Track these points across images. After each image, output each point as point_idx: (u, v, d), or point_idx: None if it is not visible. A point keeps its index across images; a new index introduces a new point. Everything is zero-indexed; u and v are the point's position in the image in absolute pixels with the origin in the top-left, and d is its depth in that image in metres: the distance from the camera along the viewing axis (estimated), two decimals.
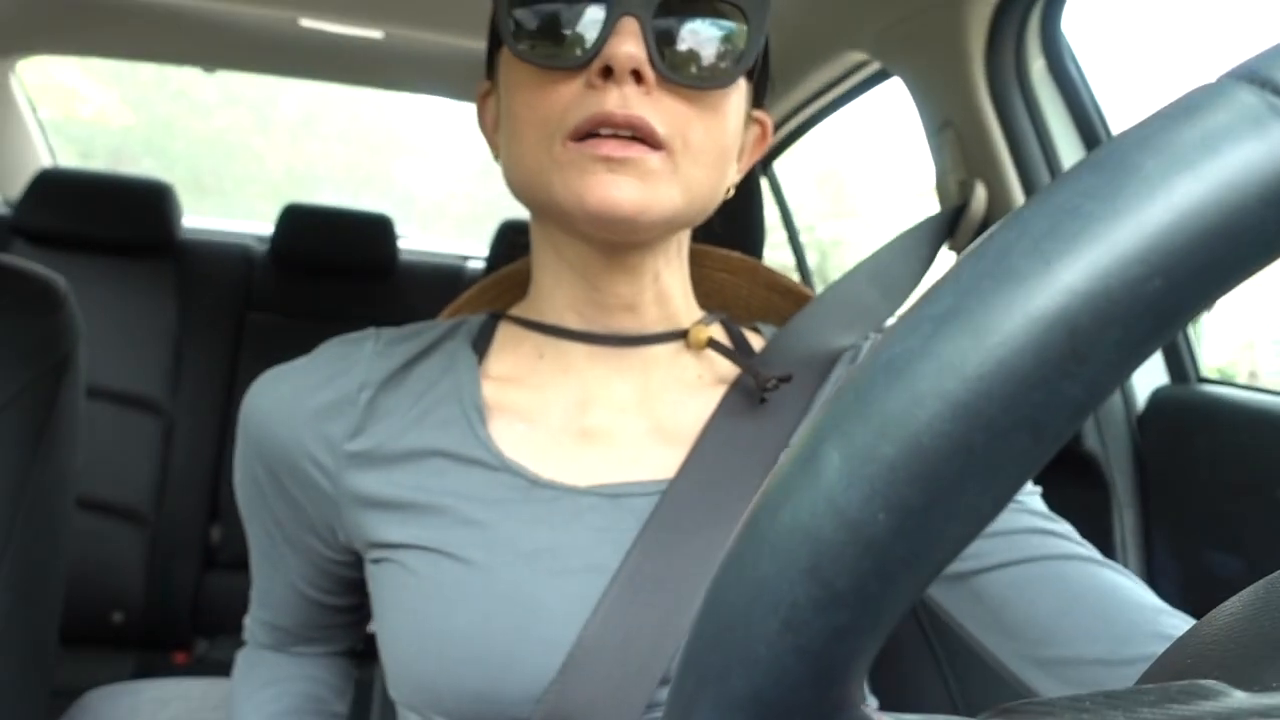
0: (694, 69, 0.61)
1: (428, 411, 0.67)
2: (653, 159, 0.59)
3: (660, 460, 0.67)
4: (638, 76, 0.59)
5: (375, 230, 2.29)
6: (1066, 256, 0.18)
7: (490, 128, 0.71)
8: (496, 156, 0.69)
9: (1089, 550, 0.62)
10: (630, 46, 0.58)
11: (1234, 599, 0.28)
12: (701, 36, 0.62)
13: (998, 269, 0.19)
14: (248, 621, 0.82)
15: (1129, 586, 0.60)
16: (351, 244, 2.26)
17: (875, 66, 1.47)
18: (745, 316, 0.85)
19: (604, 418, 0.67)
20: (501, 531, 0.63)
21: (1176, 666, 0.27)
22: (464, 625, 0.60)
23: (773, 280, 0.84)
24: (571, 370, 0.68)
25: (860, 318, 0.80)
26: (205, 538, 2.10)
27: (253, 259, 2.30)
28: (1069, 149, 1.17)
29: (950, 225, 1.20)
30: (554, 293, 0.69)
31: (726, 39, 0.62)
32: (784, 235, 2.23)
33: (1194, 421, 1.03)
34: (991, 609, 0.61)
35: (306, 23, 1.86)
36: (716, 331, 0.73)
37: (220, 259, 2.25)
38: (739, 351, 0.72)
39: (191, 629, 2.10)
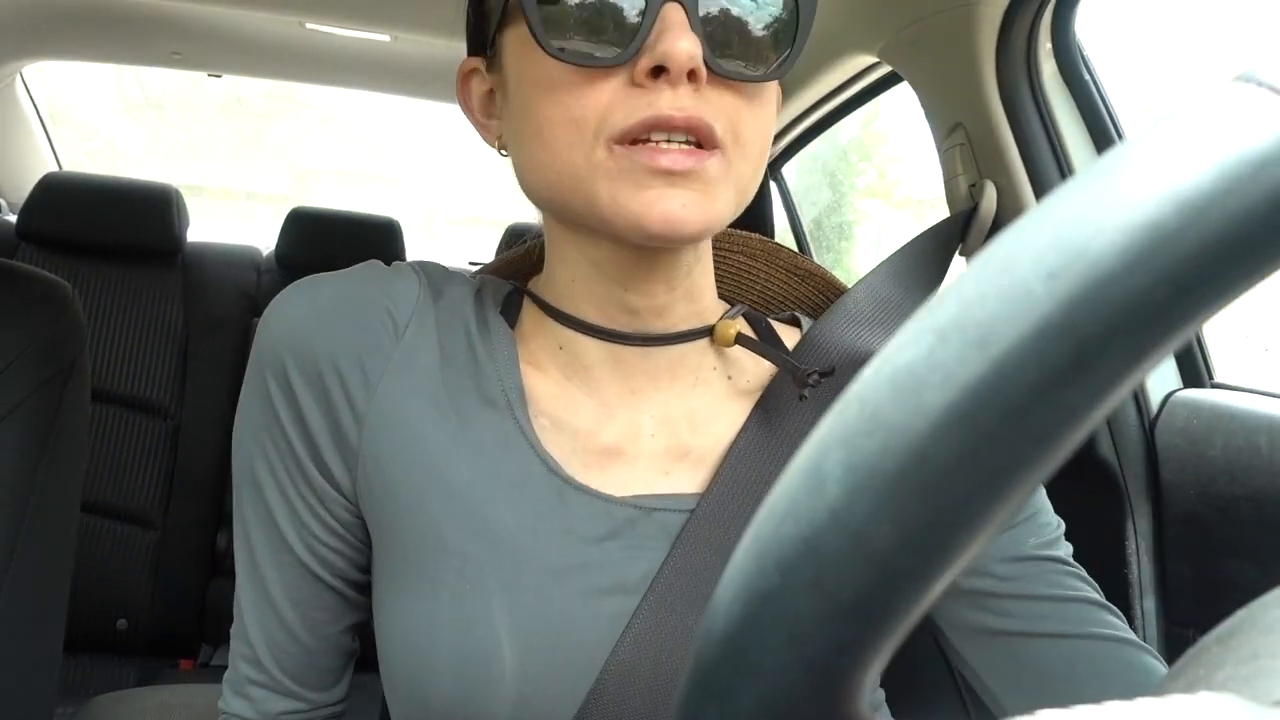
0: (746, 60, 0.56)
1: (465, 380, 0.62)
2: (712, 166, 0.54)
3: (691, 473, 0.62)
4: (691, 74, 0.53)
5: (382, 234, 2.29)
6: (1070, 265, 0.18)
7: (479, 112, 0.64)
8: (496, 146, 0.63)
9: (1128, 632, 0.61)
10: (686, 43, 0.52)
11: (1248, 607, 0.27)
12: (751, 21, 0.56)
13: (1000, 279, 0.19)
14: (225, 693, 0.68)
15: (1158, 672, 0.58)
16: (358, 248, 2.23)
17: (884, 70, 1.47)
18: (762, 303, 0.79)
19: (628, 427, 0.62)
20: (532, 541, 0.58)
21: (1189, 678, 0.26)
22: (486, 645, 0.55)
23: (794, 263, 0.78)
24: (592, 369, 0.63)
25: (889, 315, 0.76)
26: (211, 544, 2.10)
27: (258, 263, 2.30)
28: (1080, 151, 1.17)
29: (962, 229, 1.19)
30: (573, 288, 0.62)
31: (777, 22, 0.57)
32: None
33: (1208, 425, 1.02)
34: (1033, 675, 0.60)
35: (313, 26, 1.86)
36: (742, 326, 0.67)
37: (226, 263, 2.26)
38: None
39: (197, 636, 2.10)
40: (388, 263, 0.66)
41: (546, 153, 0.56)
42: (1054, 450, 0.19)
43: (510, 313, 0.66)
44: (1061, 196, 0.20)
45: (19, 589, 0.90)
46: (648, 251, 0.59)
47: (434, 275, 0.66)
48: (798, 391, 0.63)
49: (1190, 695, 0.20)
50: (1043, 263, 0.19)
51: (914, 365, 0.19)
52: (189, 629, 2.08)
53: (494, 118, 0.63)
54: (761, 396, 0.65)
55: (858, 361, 0.67)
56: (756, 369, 0.67)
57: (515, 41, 0.58)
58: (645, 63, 0.52)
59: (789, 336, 0.70)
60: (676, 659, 0.57)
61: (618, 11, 0.53)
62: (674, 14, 0.53)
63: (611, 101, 0.53)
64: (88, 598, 1.93)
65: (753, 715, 0.20)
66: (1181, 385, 1.13)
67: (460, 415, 0.61)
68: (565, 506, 0.59)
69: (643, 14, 0.53)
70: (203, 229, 2.34)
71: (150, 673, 2.03)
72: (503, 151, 0.63)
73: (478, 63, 0.64)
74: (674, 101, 0.53)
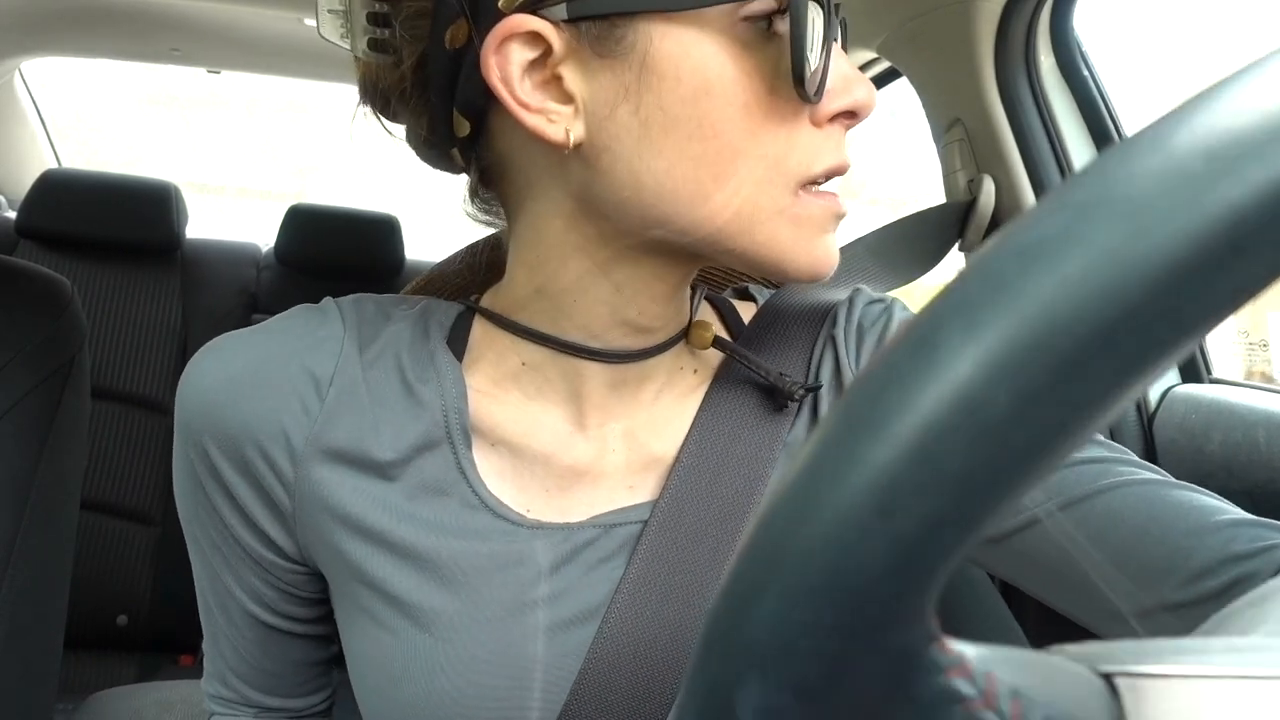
0: None
1: (403, 424, 0.58)
2: None
3: (654, 481, 0.60)
4: None
5: (382, 232, 2.29)
6: (1228, 152, 0.18)
7: (524, 90, 0.50)
8: (565, 139, 0.51)
9: (1146, 471, 0.54)
10: (871, 92, 0.52)
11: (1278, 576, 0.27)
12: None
13: (1153, 159, 0.18)
14: (205, 698, 0.67)
15: (1188, 505, 0.51)
16: (358, 245, 2.26)
17: (884, 66, 1.47)
18: (720, 279, 0.75)
19: (594, 443, 0.59)
20: (485, 584, 0.56)
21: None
22: (448, 693, 0.54)
23: None
24: (561, 385, 0.59)
25: (857, 278, 0.74)
26: None
27: (258, 260, 2.30)
28: (1079, 146, 1.17)
29: (959, 222, 1.19)
30: (572, 306, 0.57)
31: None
32: None
33: (1206, 421, 1.03)
34: (1060, 552, 0.53)
35: (311, 22, 1.86)
36: (708, 315, 0.65)
37: (225, 260, 2.25)
38: (734, 329, 0.65)
39: (197, 632, 2.09)
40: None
41: (722, 187, 0.50)
42: (1187, 335, 0.18)
43: (460, 337, 0.61)
44: (1197, 100, 0.19)
45: (19, 586, 0.90)
46: (683, 275, 0.58)
47: (364, 314, 0.61)
48: (784, 401, 0.61)
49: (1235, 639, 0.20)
50: (1203, 143, 0.18)
51: (1049, 238, 0.18)
52: (189, 625, 2.06)
53: (553, 101, 0.51)
54: (709, 386, 0.62)
55: (817, 312, 0.65)
56: (714, 353, 0.63)
57: (660, 32, 0.48)
58: (839, 105, 0.51)
59: (744, 311, 0.67)
60: (649, 669, 0.55)
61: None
62: (838, 55, 0.51)
63: (798, 141, 0.50)
64: (88, 594, 1.93)
65: (822, 588, 0.19)
66: (1180, 381, 1.13)
67: (396, 466, 0.57)
68: (515, 544, 0.57)
69: (828, 53, 0.49)
70: (223, 226, 2.35)
71: (150, 669, 2.03)
72: (567, 149, 0.51)
73: (540, 25, 0.49)
74: (847, 149, 0.53)
